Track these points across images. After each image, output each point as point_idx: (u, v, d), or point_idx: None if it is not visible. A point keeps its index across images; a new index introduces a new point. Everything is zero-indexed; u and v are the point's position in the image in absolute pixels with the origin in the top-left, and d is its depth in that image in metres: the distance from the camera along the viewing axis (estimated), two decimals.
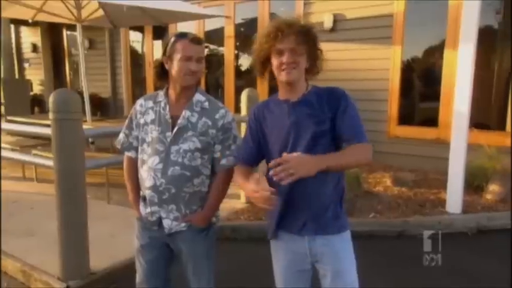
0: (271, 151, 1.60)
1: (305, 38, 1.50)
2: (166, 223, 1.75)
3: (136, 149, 1.82)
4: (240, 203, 4.18)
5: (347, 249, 1.61)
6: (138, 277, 1.87)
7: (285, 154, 1.34)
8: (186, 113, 1.72)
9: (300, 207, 1.56)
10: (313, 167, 1.33)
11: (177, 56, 1.66)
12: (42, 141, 5.17)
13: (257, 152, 1.67)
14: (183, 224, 1.75)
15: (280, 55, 1.49)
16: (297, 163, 1.30)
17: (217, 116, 1.74)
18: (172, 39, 1.69)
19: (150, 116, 1.75)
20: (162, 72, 1.75)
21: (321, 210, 1.55)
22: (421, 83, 6.06)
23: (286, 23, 1.49)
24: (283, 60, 1.49)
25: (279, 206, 1.58)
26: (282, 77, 1.52)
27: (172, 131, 1.71)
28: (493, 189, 4.17)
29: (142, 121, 1.77)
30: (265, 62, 1.56)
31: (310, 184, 1.50)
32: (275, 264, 1.72)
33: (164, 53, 1.71)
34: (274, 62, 1.52)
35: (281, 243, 1.66)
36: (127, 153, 1.87)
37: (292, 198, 1.55)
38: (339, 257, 1.58)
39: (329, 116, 1.50)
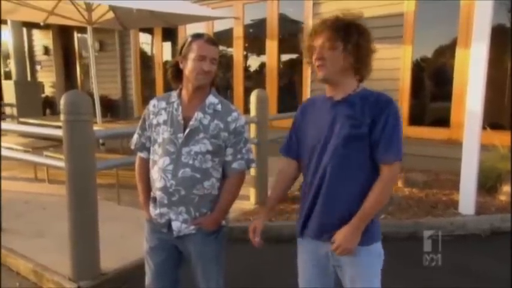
0: (304, 145, 1.60)
1: (339, 34, 1.44)
2: (175, 225, 1.75)
3: (148, 150, 1.82)
4: (249, 204, 4.18)
5: (370, 262, 1.54)
6: (147, 279, 1.88)
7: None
8: (198, 114, 1.71)
9: (325, 212, 1.52)
10: (356, 240, 1.48)
11: (192, 56, 1.67)
12: (54, 143, 5.23)
13: (296, 145, 1.66)
14: (192, 227, 1.75)
15: (314, 52, 1.49)
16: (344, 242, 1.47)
17: (229, 119, 1.73)
18: (189, 39, 1.70)
19: (163, 116, 1.75)
20: (177, 73, 1.76)
21: (346, 218, 1.49)
22: (432, 83, 5.98)
23: (321, 20, 1.49)
24: (314, 57, 1.48)
25: (306, 208, 1.58)
26: (317, 75, 1.51)
27: (184, 132, 1.70)
28: (507, 190, 4.10)
29: (154, 122, 1.77)
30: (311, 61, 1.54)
31: (336, 188, 1.49)
32: (299, 263, 1.70)
33: (180, 53, 1.72)
34: (313, 60, 1.51)
35: (306, 243, 1.64)
36: (139, 154, 1.87)
37: (318, 201, 1.53)
38: (361, 269, 1.53)
39: (368, 122, 1.45)
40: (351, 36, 1.45)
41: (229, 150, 1.75)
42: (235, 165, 1.76)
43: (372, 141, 1.45)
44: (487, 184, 4.22)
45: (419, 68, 5.77)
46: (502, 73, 5.30)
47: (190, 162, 1.69)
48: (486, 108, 3.72)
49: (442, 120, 5.50)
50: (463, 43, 5.12)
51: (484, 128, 3.82)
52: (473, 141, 3.70)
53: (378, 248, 1.57)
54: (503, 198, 4.10)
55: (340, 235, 1.47)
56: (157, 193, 1.75)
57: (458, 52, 5.25)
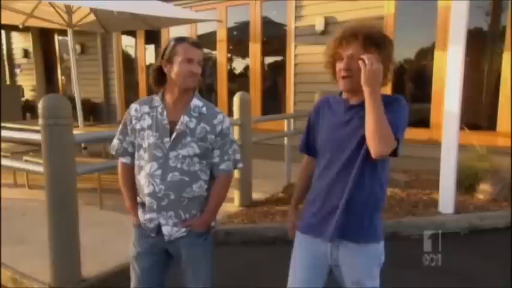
0: (320, 144, 1.62)
1: (371, 47, 1.44)
2: (166, 230, 1.74)
3: (131, 155, 1.80)
4: (233, 207, 4.17)
5: (370, 263, 1.56)
6: (132, 284, 1.85)
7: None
8: (184, 118, 1.71)
9: (331, 211, 1.53)
10: (377, 86, 1.40)
11: (178, 59, 1.66)
12: (34, 147, 5.12)
13: (314, 143, 1.67)
14: (182, 230, 1.74)
15: (341, 61, 1.49)
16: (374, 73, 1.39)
17: (215, 122, 1.74)
18: (172, 43, 1.70)
19: (147, 121, 1.74)
20: (160, 77, 1.74)
21: (351, 217, 1.51)
22: (412, 84, 6.11)
23: (351, 29, 1.47)
24: (341, 67, 1.48)
25: (314, 205, 1.60)
26: (340, 84, 1.52)
27: (170, 136, 1.70)
28: (485, 189, 4.20)
29: (138, 126, 1.75)
30: (332, 66, 1.55)
31: (345, 188, 1.50)
32: (293, 258, 1.69)
33: (162, 57, 1.71)
34: (337, 67, 1.51)
35: (304, 241, 1.64)
36: (121, 159, 1.84)
37: (326, 201, 1.55)
38: (358, 269, 1.55)
39: None
40: (382, 50, 1.46)
41: (216, 152, 1.76)
42: (223, 166, 1.78)
43: None
44: (466, 183, 4.32)
45: (399, 70, 5.87)
46: (479, 75, 5.45)
47: (179, 166, 1.69)
48: (464, 109, 3.81)
49: (423, 121, 5.60)
50: (442, 45, 5.24)
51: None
52: (452, 141, 3.78)
53: (377, 248, 1.57)
54: (481, 196, 4.20)
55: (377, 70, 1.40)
56: (146, 198, 1.73)
57: (437, 54, 5.36)
